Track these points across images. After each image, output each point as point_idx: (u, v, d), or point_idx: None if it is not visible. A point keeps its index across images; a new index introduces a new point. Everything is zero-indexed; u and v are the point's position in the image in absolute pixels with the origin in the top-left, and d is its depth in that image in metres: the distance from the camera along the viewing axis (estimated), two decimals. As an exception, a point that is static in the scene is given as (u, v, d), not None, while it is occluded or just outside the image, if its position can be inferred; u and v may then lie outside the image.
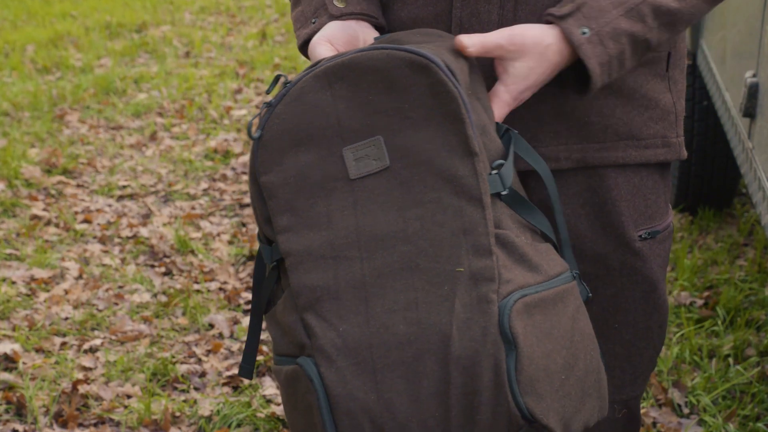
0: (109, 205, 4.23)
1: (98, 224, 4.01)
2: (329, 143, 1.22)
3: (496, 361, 1.14)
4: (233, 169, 4.61)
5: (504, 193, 1.21)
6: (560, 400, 1.16)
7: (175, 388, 2.87)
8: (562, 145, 1.37)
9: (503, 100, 1.27)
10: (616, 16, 1.27)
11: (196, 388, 2.87)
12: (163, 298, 3.39)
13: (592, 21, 1.26)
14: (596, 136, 1.39)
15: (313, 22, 1.34)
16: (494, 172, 1.20)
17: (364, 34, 1.35)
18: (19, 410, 2.75)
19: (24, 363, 2.97)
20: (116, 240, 3.88)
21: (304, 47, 1.37)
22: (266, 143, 1.23)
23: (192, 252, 3.74)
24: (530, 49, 1.26)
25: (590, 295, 1.30)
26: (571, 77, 1.33)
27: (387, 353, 1.18)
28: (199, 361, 3.01)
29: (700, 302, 3.16)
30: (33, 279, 3.53)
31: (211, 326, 3.21)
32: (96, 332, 3.19)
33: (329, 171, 1.21)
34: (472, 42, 1.25)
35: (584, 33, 1.26)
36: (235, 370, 2.92)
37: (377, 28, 1.37)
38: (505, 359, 1.14)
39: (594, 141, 1.39)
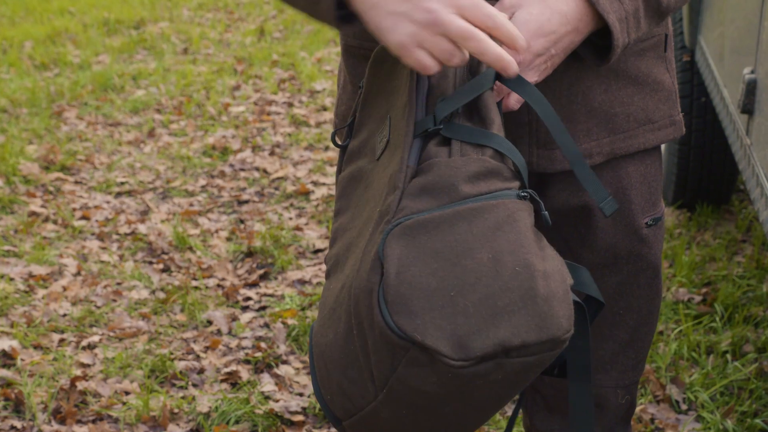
0: (107, 202, 4.22)
1: (96, 221, 4.01)
2: (375, 133, 1.34)
3: (371, 285, 1.15)
4: (231, 165, 4.61)
5: (432, 129, 1.22)
6: (447, 318, 1.12)
7: (174, 385, 2.87)
8: (593, 141, 1.41)
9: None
10: None
11: (194, 385, 2.87)
12: (162, 295, 3.39)
13: None
14: (621, 126, 1.43)
15: None
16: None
17: None
18: (18, 407, 2.75)
19: (22, 359, 2.97)
20: (114, 236, 3.88)
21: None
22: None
23: (190, 248, 3.74)
24: None
25: (545, 212, 1.24)
26: (589, 52, 1.34)
27: (333, 300, 1.27)
28: (198, 358, 3.01)
29: (698, 298, 3.17)
30: (31, 275, 3.53)
31: (210, 323, 3.21)
32: (94, 329, 3.19)
33: (370, 157, 1.33)
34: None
35: None
36: (234, 368, 2.92)
37: None
38: (379, 282, 1.14)
39: (620, 132, 1.43)
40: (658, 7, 1.33)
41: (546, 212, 1.24)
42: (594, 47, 1.34)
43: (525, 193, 1.21)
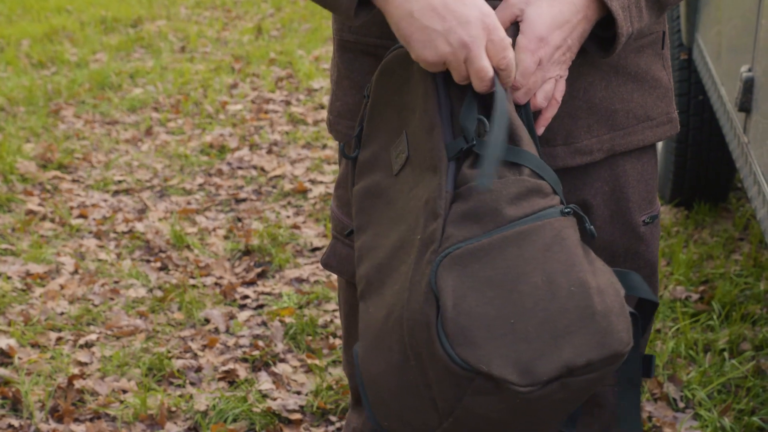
0: (105, 200, 4.22)
1: (94, 219, 4.01)
2: (387, 147, 1.32)
3: (427, 318, 1.15)
4: (229, 164, 4.61)
5: (465, 147, 1.21)
6: (509, 345, 1.12)
7: (171, 383, 2.87)
8: (594, 137, 1.41)
9: (523, 46, 1.27)
10: None
11: (191, 383, 2.87)
12: (159, 293, 3.39)
13: None
14: (621, 123, 1.43)
15: None
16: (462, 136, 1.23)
17: None
18: (15, 405, 2.75)
19: (19, 358, 2.96)
20: (112, 235, 3.87)
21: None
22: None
23: (188, 247, 3.74)
24: None
25: (590, 226, 1.25)
26: (593, 44, 1.35)
27: (379, 328, 1.24)
28: (195, 356, 3.01)
29: (695, 296, 3.17)
30: (28, 274, 3.52)
31: (207, 321, 3.21)
32: (91, 327, 3.19)
33: (386, 171, 1.31)
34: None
35: None
36: (231, 366, 2.92)
37: None
38: (436, 314, 1.14)
39: (620, 128, 1.44)
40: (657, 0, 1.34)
41: (592, 226, 1.25)
42: (598, 40, 1.35)
43: (568, 209, 1.22)
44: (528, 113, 1.30)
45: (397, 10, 1.22)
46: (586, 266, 1.18)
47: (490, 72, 1.21)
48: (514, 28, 1.29)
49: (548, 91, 1.30)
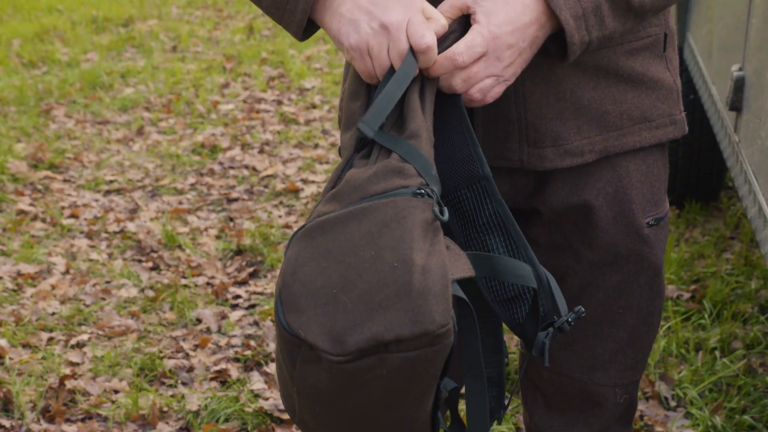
0: (96, 200, 4.21)
1: (85, 219, 4.00)
2: None
3: (278, 287, 1.19)
4: (220, 163, 4.60)
5: (363, 139, 1.27)
6: (328, 314, 1.15)
7: (163, 383, 2.87)
8: (585, 139, 1.40)
9: (476, 31, 1.27)
10: None
11: (183, 383, 2.86)
12: (151, 293, 3.38)
13: None
14: (614, 124, 1.42)
15: None
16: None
17: None
18: (6, 405, 2.75)
19: (11, 358, 2.96)
20: (103, 235, 3.87)
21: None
22: None
23: (179, 247, 3.73)
24: None
25: (434, 209, 1.22)
26: (554, 49, 1.33)
27: None
28: (187, 356, 3.00)
29: (687, 295, 3.17)
30: (19, 274, 3.51)
31: (199, 321, 3.21)
32: (83, 327, 3.18)
33: None
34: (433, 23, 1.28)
35: None
36: (223, 366, 2.92)
37: None
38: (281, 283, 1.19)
39: (613, 129, 1.42)
40: (627, 5, 1.30)
41: (436, 209, 1.22)
42: (563, 45, 1.33)
43: (421, 190, 1.22)
44: (460, 103, 1.30)
45: (330, 18, 1.31)
46: (418, 245, 1.17)
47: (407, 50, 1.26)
48: (461, 21, 1.29)
49: (486, 87, 1.29)
